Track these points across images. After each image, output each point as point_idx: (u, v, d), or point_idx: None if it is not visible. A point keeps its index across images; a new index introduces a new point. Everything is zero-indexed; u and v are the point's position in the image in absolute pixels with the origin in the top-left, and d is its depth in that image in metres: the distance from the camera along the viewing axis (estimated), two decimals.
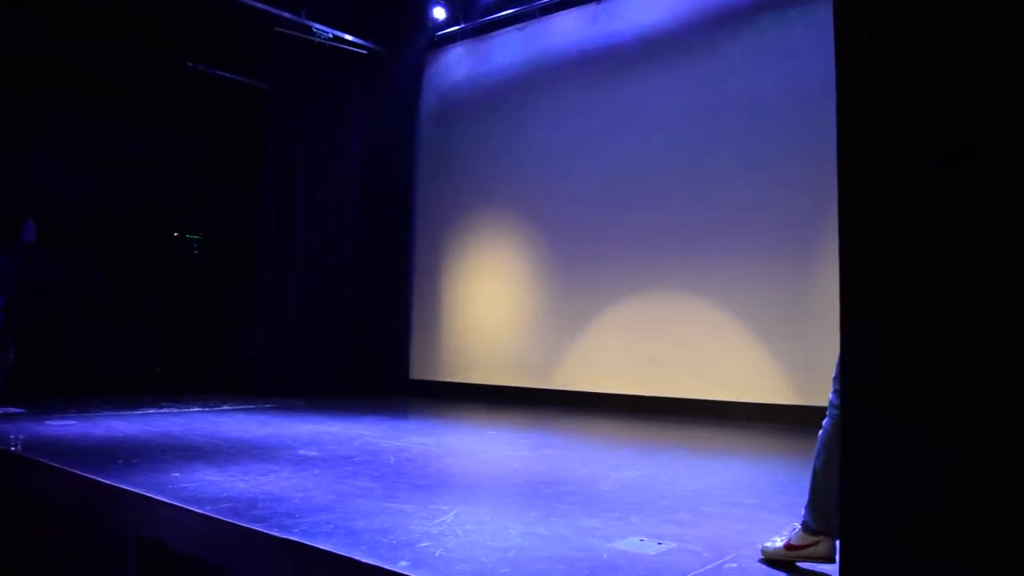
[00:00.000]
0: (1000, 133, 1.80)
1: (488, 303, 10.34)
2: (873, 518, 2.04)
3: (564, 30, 9.82)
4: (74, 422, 6.68)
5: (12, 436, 5.58)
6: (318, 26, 10.12)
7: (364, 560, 2.66)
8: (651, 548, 2.97)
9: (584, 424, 7.66)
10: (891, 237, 2.00)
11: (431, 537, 3.03)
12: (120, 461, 4.66)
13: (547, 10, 9.90)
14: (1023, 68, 1.74)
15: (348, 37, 10.56)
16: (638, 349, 8.81)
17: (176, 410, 8.00)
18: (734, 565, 2.78)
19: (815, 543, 2.75)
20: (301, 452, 5.35)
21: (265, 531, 3.03)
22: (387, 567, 2.59)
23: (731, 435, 6.96)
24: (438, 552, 2.82)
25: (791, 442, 6.34)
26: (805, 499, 2.80)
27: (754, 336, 7.93)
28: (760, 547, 2.91)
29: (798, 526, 2.84)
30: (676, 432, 7.14)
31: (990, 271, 1.79)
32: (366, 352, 10.90)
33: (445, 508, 3.56)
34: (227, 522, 3.19)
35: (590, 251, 9.31)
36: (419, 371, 10.93)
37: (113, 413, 7.45)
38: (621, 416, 8.23)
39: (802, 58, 7.66)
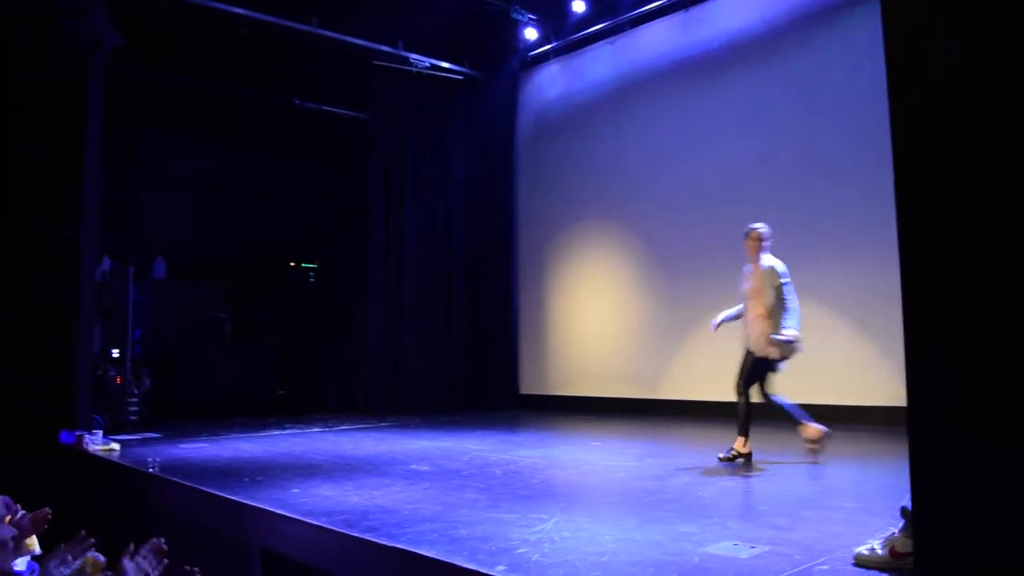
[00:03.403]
0: None
1: (592, 316, 10.43)
2: (950, 525, 2.06)
3: (654, 40, 9.87)
4: (205, 444, 7.14)
5: (149, 459, 6.05)
6: (415, 56, 10.51)
7: (464, 565, 2.82)
8: (743, 552, 3.02)
9: (691, 433, 7.65)
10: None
11: (529, 544, 3.16)
12: (246, 479, 4.99)
13: (637, 22, 9.99)
14: None
15: (444, 64, 10.92)
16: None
17: (298, 430, 8.41)
18: (825, 567, 2.80)
19: None
20: (413, 467, 5.57)
21: (374, 540, 3.23)
22: (485, 571, 2.74)
23: (841, 439, 6.81)
24: (534, 557, 2.95)
25: (903, 444, 6.16)
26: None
27: (863, 337, 7.75)
28: (854, 551, 2.88)
29: (896, 532, 2.79)
30: (784, 438, 7.04)
31: None
32: (477, 369, 11.19)
33: (545, 517, 3.69)
34: (340, 533, 3.41)
35: (691, 258, 9.29)
36: (528, 385, 11.11)
37: (240, 435, 7.91)
38: (729, 424, 8.14)
39: None
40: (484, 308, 11.32)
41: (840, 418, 7.65)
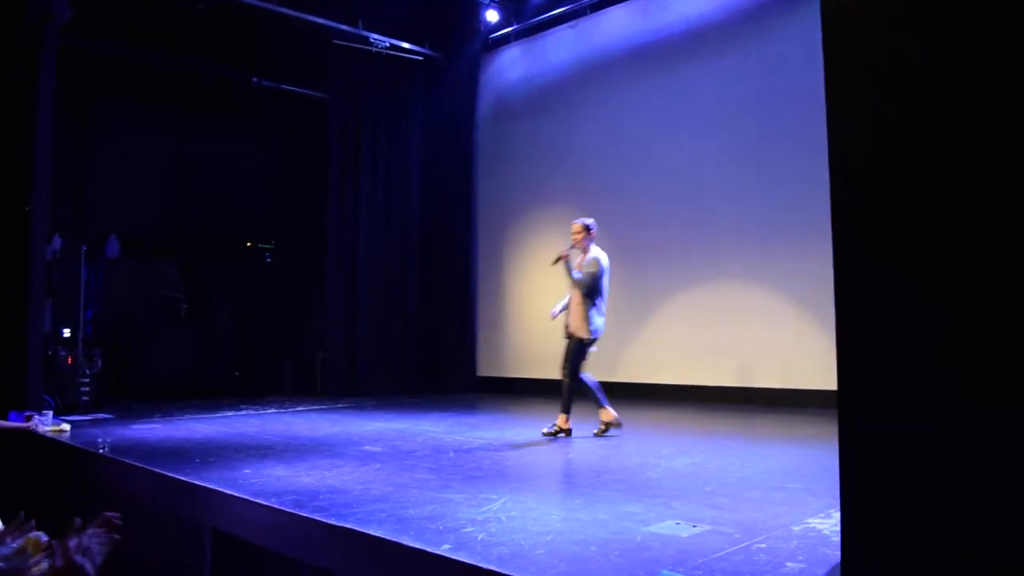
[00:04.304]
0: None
1: (550, 299, 10.37)
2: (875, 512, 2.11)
3: (615, 25, 9.91)
4: (158, 425, 7.09)
5: (100, 439, 5.99)
6: (375, 36, 10.43)
7: (410, 544, 2.86)
8: (685, 531, 3.09)
9: (645, 415, 7.74)
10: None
11: (476, 523, 3.21)
12: (197, 460, 4.98)
13: (598, 6, 10.02)
14: None
15: (404, 45, 10.84)
16: (700, 340, 8.86)
17: (253, 412, 8.38)
18: (763, 546, 2.88)
19: None
20: (366, 448, 5.60)
21: (323, 520, 3.25)
22: (430, 550, 2.78)
23: (790, 422, 6.98)
24: (480, 536, 3.00)
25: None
26: None
27: (815, 323, 7.89)
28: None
29: None
30: (736, 421, 7.20)
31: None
32: (434, 351, 11.20)
33: (494, 497, 3.75)
34: (289, 512, 3.43)
35: (648, 244, 9.38)
36: (486, 368, 11.15)
37: (194, 416, 7.85)
38: (684, 407, 8.30)
39: None
40: (442, 290, 11.32)
41: (791, 402, 7.85)
